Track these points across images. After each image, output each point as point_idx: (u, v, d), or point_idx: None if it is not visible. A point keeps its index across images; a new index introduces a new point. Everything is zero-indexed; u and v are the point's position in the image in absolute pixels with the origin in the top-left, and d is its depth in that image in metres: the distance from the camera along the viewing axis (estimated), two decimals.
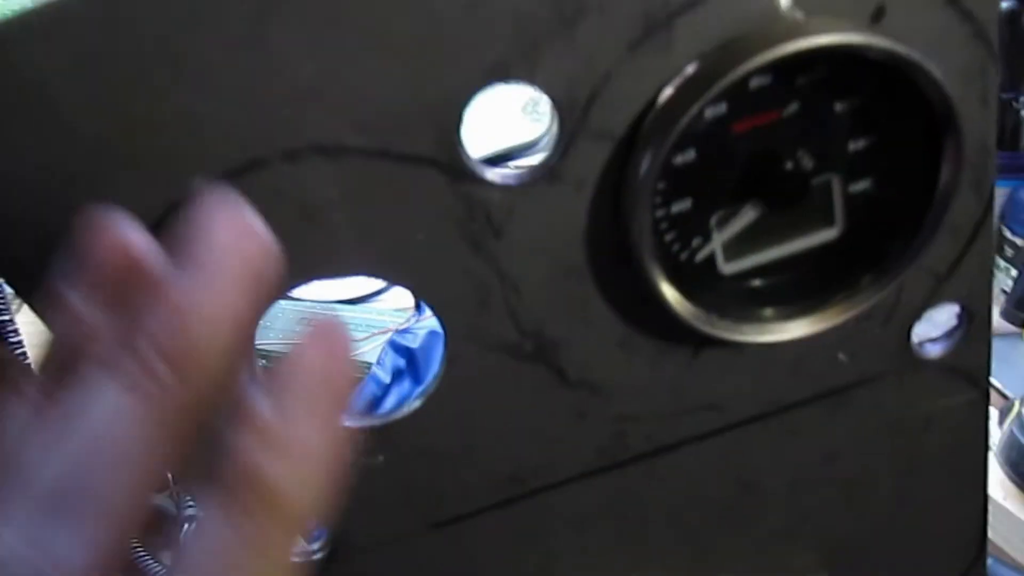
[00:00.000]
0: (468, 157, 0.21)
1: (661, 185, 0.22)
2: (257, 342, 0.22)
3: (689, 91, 0.21)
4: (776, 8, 0.21)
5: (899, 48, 0.20)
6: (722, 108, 0.22)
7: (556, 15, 0.20)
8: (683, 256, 0.23)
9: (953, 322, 0.27)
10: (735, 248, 0.24)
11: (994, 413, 0.67)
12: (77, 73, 0.19)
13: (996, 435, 0.63)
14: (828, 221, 0.24)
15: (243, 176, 0.20)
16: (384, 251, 0.22)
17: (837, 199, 0.23)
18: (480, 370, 0.24)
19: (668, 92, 0.21)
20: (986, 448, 0.29)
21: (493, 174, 0.22)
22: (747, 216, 0.23)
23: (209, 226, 0.18)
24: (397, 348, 0.71)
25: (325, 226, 0.21)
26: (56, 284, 0.18)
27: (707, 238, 0.23)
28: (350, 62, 0.20)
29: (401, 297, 0.81)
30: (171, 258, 0.18)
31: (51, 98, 0.19)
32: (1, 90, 0.19)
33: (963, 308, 0.26)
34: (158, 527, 0.18)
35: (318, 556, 0.26)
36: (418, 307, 0.75)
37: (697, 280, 0.23)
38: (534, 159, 0.22)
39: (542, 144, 0.65)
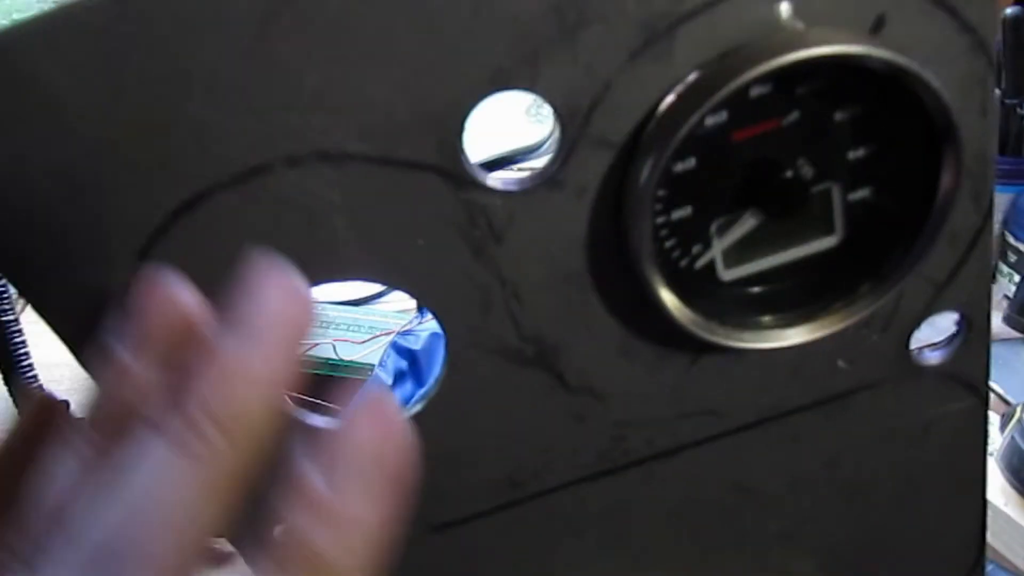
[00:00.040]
0: (470, 164, 0.21)
1: (662, 192, 0.22)
2: None
3: (690, 100, 0.21)
4: (776, 18, 0.21)
5: (898, 58, 0.20)
6: (723, 116, 0.22)
7: (558, 24, 0.20)
8: (683, 263, 0.24)
9: (952, 329, 0.27)
10: (735, 255, 0.24)
11: (996, 419, 0.67)
12: (85, 79, 0.19)
13: (998, 441, 0.63)
14: (828, 229, 0.24)
15: (247, 181, 0.20)
16: (386, 256, 0.22)
17: (837, 207, 0.24)
18: (481, 374, 0.24)
19: (669, 100, 0.21)
20: (985, 454, 0.29)
21: (494, 180, 0.22)
22: (747, 224, 0.23)
23: (259, 290, 0.18)
24: (399, 350, 0.71)
25: (328, 231, 0.21)
26: (108, 341, 0.19)
27: (707, 245, 0.23)
28: (353, 70, 0.20)
29: (404, 299, 0.81)
30: (222, 319, 0.18)
31: (59, 103, 0.19)
32: (9, 95, 0.19)
33: (962, 316, 0.27)
34: None
35: None
36: (420, 309, 0.75)
37: (697, 287, 0.24)
38: (537, 162, 0.22)
39: (545, 147, 0.66)
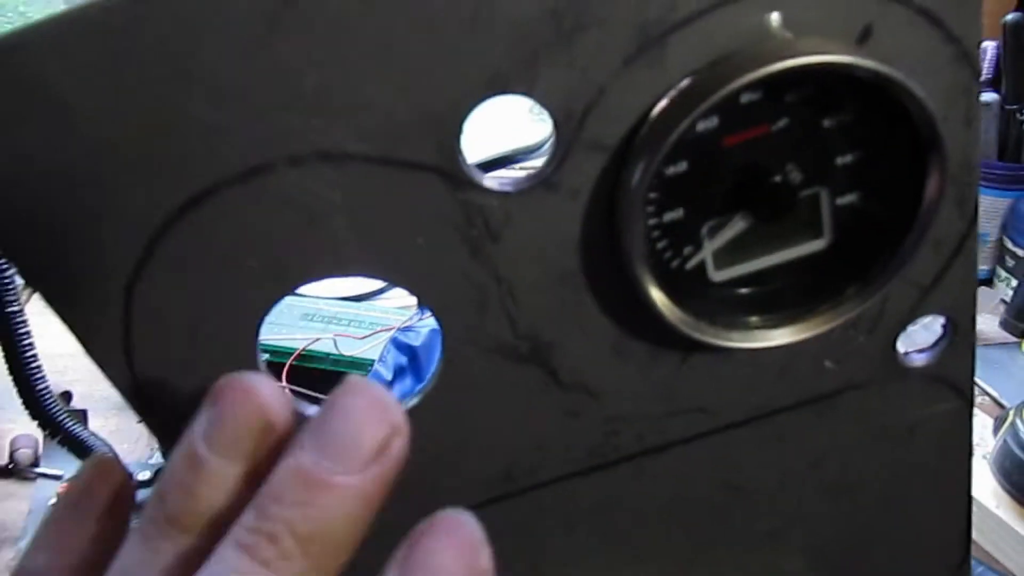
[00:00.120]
0: (467, 165, 0.22)
1: (654, 195, 0.23)
2: (263, 338, 0.23)
3: (682, 105, 0.21)
4: (767, 27, 0.21)
5: (884, 68, 0.21)
6: (714, 122, 0.22)
7: (554, 30, 0.21)
8: (675, 264, 0.24)
9: (938, 332, 0.28)
10: (725, 257, 0.24)
11: (989, 422, 0.68)
12: (90, 80, 0.19)
13: (991, 444, 0.64)
14: (816, 233, 0.24)
15: (249, 181, 0.21)
16: (385, 254, 0.23)
17: (825, 212, 0.24)
18: (476, 370, 0.25)
19: (662, 105, 0.22)
20: (970, 455, 0.30)
21: (491, 181, 0.22)
22: (737, 226, 0.24)
23: (349, 404, 0.18)
24: (399, 346, 0.72)
25: (328, 229, 0.22)
26: (193, 441, 0.19)
27: (698, 247, 0.24)
28: (354, 72, 0.20)
29: (404, 296, 0.82)
30: (309, 429, 0.18)
31: (65, 104, 0.20)
32: (17, 95, 0.19)
33: (948, 319, 0.27)
34: None
35: None
36: (421, 306, 0.75)
37: (688, 287, 0.24)
38: (538, 161, 0.23)
39: (546, 147, 0.66)
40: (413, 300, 0.81)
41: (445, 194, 0.22)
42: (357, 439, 0.18)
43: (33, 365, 0.51)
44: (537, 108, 0.22)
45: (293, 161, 0.21)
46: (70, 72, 0.19)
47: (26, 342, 0.50)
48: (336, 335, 0.74)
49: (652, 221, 0.23)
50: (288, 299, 0.23)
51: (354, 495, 0.18)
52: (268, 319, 0.23)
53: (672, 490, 0.28)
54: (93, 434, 0.56)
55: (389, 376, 0.69)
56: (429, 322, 0.73)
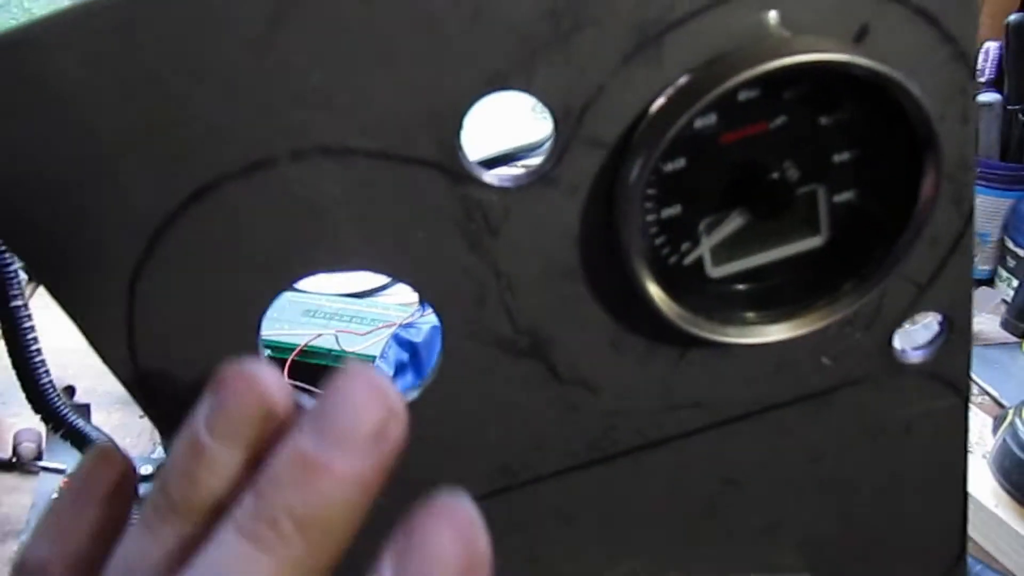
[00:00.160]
0: (467, 160, 0.22)
1: (652, 191, 0.23)
2: (265, 334, 0.24)
3: (679, 102, 0.22)
4: (764, 26, 0.22)
5: (880, 67, 0.21)
6: (712, 119, 0.23)
7: (553, 28, 0.21)
8: (672, 259, 0.24)
9: (935, 329, 0.28)
10: (723, 253, 0.24)
11: (989, 422, 0.68)
12: (98, 74, 0.20)
13: (990, 444, 0.64)
14: (813, 230, 0.25)
15: (252, 174, 0.21)
16: (385, 248, 0.23)
17: (822, 209, 0.24)
18: (476, 364, 0.25)
19: (659, 103, 0.22)
20: (966, 451, 0.30)
21: (490, 177, 0.23)
22: (734, 223, 0.24)
23: (348, 390, 0.19)
24: (401, 342, 0.72)
25: (329, 223, 0.22)
26: (195, 427, 0.19)
27: (696, 243, 0.24)
28: (356, 69, 0.21)
29: (406, 292, 0.82)
30: (309, 414, 0.19)
31: (69, 99, 0.20)
32: (21, 91, 0.20)
33: (944, 317, 0.27)
34: None
35: None
36: (422, 303, 0.76)
37: (685, 283, 0.24)
38: (539, 160, 0.23)
39: (547, 145, 0.66)
40: (415, 297, 0.81)
41: (445, 189, 0.22)
42: (355, 422, 0.18)
43: (37, 359, 0.51)
44: (539, 107, 0.22)
45: (295, 156, 0.21)
46: (74, 68, 0.19)
47: (30, 336, 0.50)
48: (338, 331, 0.74)
49: (650, 217, 0.24)
50: (290, 295, 0.23)
51: (352, 480, 0.18)
52: (270, 315, 0.23)
53: (670, 484, 0.29)
54: (96, 428, 0.57)
55: (390, 372, 0.70)
56: (430, 319, 0.73)
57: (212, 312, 0.23)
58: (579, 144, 0.22)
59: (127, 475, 0.22)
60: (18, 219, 0.21)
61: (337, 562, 0.18)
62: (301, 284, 0.24)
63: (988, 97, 0.86)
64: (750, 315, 0.25)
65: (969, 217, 0.25)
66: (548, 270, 0.24)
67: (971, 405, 0.29)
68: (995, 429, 0.65)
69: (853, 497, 0.30)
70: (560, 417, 0.27)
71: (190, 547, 0.18)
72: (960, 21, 0.22)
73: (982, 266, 0.91)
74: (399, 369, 0.70)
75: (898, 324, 0.27)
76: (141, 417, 0.24)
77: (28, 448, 0.65)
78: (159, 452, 0.67)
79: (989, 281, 0.91)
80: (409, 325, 0.74)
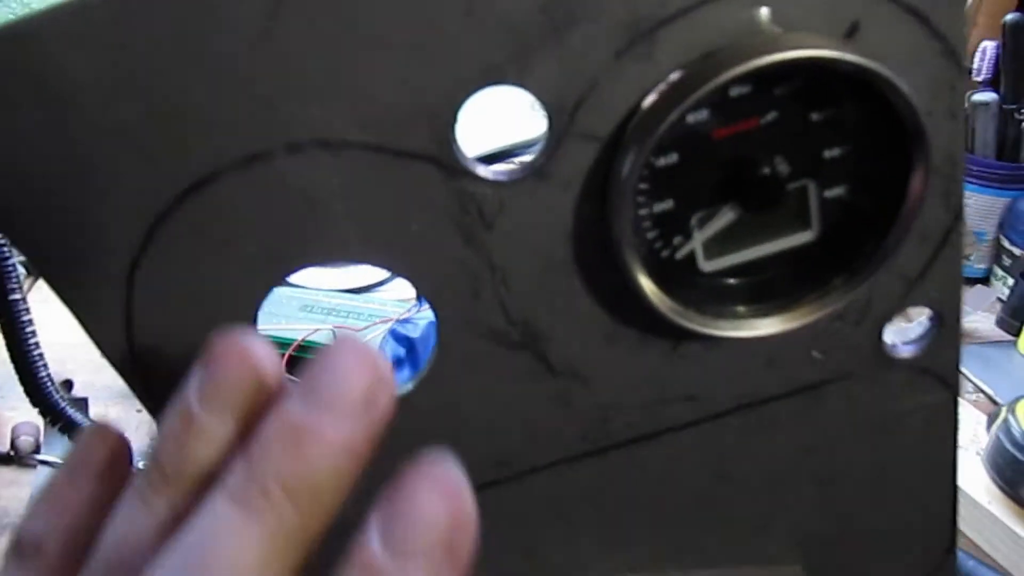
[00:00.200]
0: (462, 154, 0.22)
1: (644, 186, 0.23)
2: (262, 329, 0.24)
3: (671, 98, 0.22)
4: (756, 22, 0.22)
5: (869, 63, 0.21)
6: (704, 115, 0.23)
7: (548, 23, 0.21)
8: (664, 253, 0.25)
9: (925, 324, 0.28)
10: (714, 247, 0.25)
11: (983, 419, 0.68)
12: (94, 67, 0.20)
13: (984, 441, 0.64)
14: (804, 224, 0.25)
15: (249, 167, 0.21)
16: (380, 240, 0.23)
17: (813, 204, 0.25)
18: (470, 356, 0.25)
19: (651, 98, 0.22)
20: (956, 445, 0.30)
21: (485, 171, 0.23)
22: (726, 217, 0.24)
23: (336, 359, 0.19)
24: (398, 337, 0.72)
25: (325, 215, 0.23)
26: (186, 398, 0.19)
27: (688, 237, 0.25)
28: (353, 62, 0.21)
29: (403, 288, 0.82)
30: (298, 384, 0.19)
31: (69, 91, 0.20)
32: (21, 83, 0.20)
33: (934, 312, 0.28)
34: None
35: None
36: (419, 298, 0.76)
37: (677, 276, 0.25)
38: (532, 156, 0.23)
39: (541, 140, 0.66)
40: (411, 292, 0.82)
41: (440, 182, 0.23)
42: (344, 389, 0.18)
43: (35, 353, 0.51)
44: (538, 104, 0.22)
45: (292, 148, 0.21)
46: (74, 60, 0.20)
47: (28, 330, 0.51)
48: (335, 326, 0.74)
49: (642, 211, 0.24)
50: (287, 290, 0.24)
51: (342, 446, 0.18)
52: (268, 309, 0.24)
53: (662, 477, 0.29)
54: (94, 422, 0.57)
55: None
56: (427, 314, 0.73)
57: (209, 303, 0.23)
58: (572, 139, 0.22)
59: (122, 452, 0.22)
60: (17, 210, 0.21)
61: (326, 528, 0.18)
62: (298, 279, 0.24)
63: (985, 96, 0.86)
64: (742, 309, 0.25)
65: (958, 212, 0.25)
66: (542, 263, 0.24)
67: (966, 403, 0.30)
68: (989, 426, 0.65)
69: (844, 490, 0.31)
70: (553, 409, 0.27)
71: (182, 516, 0.18)
72: (949, 18, 0.23)
73: (978, 264, 0.91)
74: (396, 364, 0.70)
75: (888, 319, 0.27)
76: (139, 411, 0.24)
77: (26, 441, 0.65)
78: None
79: (985, 279, 0.91)
80: (406, 321, 0.74)
